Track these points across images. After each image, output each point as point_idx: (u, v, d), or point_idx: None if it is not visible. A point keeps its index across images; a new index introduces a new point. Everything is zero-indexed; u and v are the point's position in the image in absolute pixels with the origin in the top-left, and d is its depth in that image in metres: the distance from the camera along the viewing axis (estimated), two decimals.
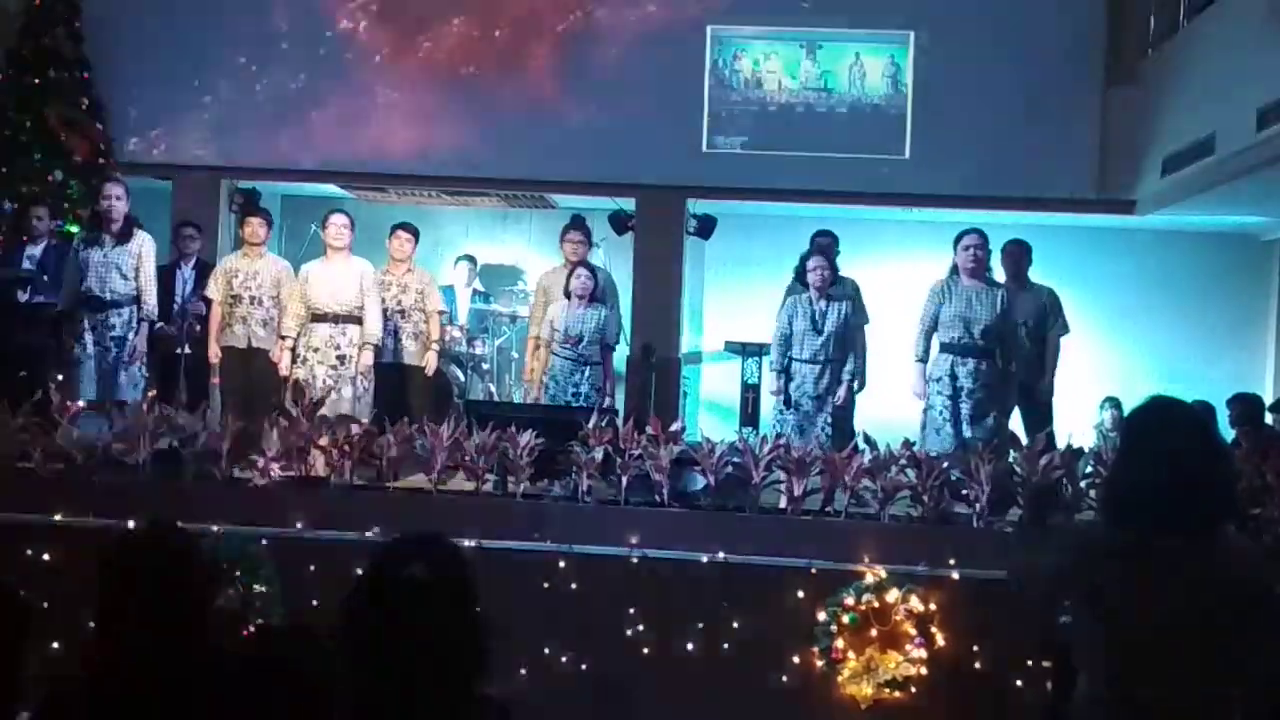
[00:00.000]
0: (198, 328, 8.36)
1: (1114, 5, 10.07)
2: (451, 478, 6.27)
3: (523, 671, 5.38)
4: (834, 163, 9.98)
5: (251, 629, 5.18)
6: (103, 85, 10.09)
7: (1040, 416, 7.97)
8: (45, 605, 5.65)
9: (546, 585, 5.68)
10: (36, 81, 9.81)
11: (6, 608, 2.50)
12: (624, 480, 6.04)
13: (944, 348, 7.49)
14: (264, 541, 5.77)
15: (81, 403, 6.73)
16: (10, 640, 2.50)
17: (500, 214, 11.78)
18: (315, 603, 5.41)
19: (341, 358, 7.56)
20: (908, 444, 6.38)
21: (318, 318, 7.64)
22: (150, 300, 7.67)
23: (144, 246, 7.65)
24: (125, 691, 2.41)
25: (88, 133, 9.78)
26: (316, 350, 7.57)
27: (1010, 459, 6.13)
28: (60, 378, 7.47)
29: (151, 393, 7.05)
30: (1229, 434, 8.35)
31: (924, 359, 7.51)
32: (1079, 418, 8.85)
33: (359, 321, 7.68)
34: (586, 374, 8.16)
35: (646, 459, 6.04)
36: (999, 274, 7.89)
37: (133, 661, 2.47)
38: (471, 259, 10.76)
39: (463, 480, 6.25)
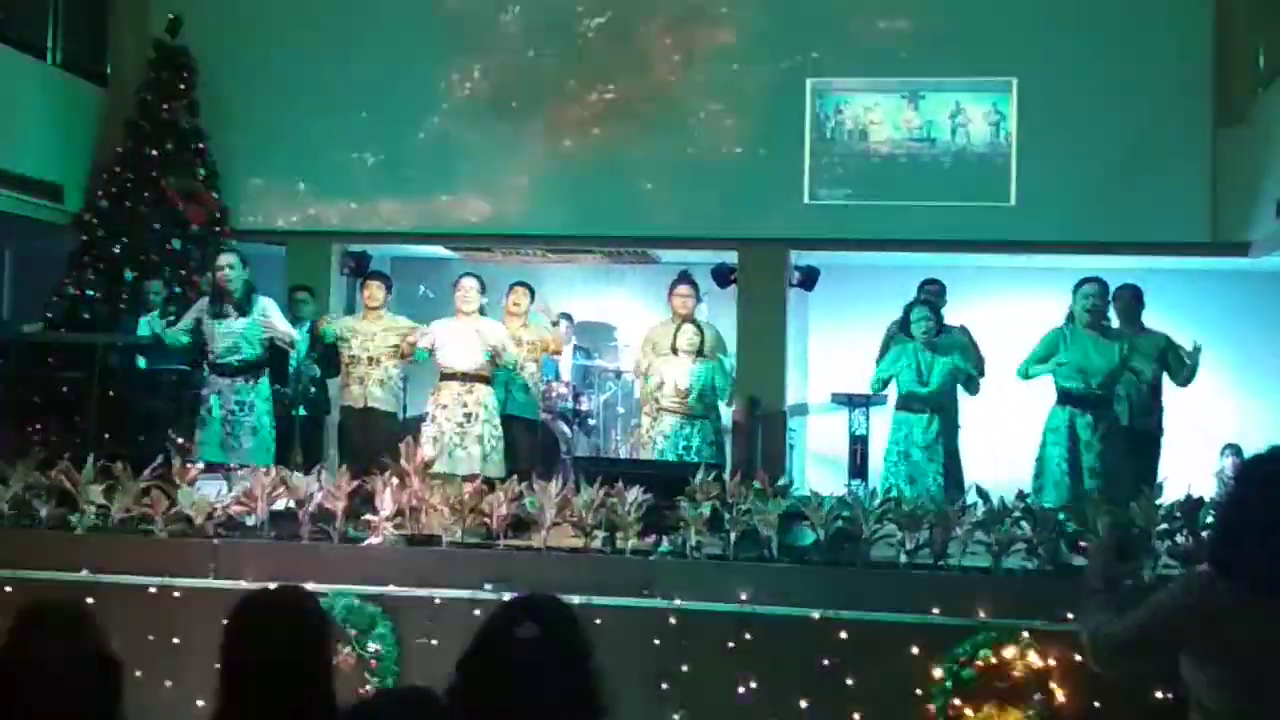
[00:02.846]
0: (313, 390, 8.52)
1: (1222, 44, 9.91)
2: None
3: None
4: (938, 211, 9.93)
5: (368, 689, 5.24)
6: (217, 155, 10.41)
7: (1153, 465, 7.79)
8: (168, 666, 5.82)
9: (656, 642, 5.66)
10: (154, 153, 10.16)
11: (98, 664, 2.55)
12: (732, 535, 6.02)
13: (1061, 398, 7.37)
14: (378, 601, 5.84)
15: (200, 465, 6.89)
16: (103, 698, 2.53)
17: (603, 270, 11.88)
18: (430, 661, 5.46)
19: (469, 415, 7.63)
20: (1022, 495, 6.28)
21: (446, 376, 7.74)
22: (287, 330, 7.83)
23: (268, 309, 7.80)
24: None
25: (204, 202, 10.09)
26: (445, 408, 7.66)
27: (1130, 509, 5.99)
28: (180, 441, 7.65)
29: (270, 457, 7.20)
30: None
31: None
32: (1198, 465, 8.63)
33: (487, 381, 7.77)
34: (697, 428, 8.16)
35: (754, 514, 6.01)
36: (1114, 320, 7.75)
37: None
38: (569, 316, 10.85)
39: (571, 537, 6.28)
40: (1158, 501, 5.91)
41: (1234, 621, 2.88)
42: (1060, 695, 5.37)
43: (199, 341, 7.76)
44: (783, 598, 5.73)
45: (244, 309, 7.70)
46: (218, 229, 10.15)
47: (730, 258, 10.44)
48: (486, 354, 7.70)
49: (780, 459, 9.46)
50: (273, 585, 2.77)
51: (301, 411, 8.37)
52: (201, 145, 10.38)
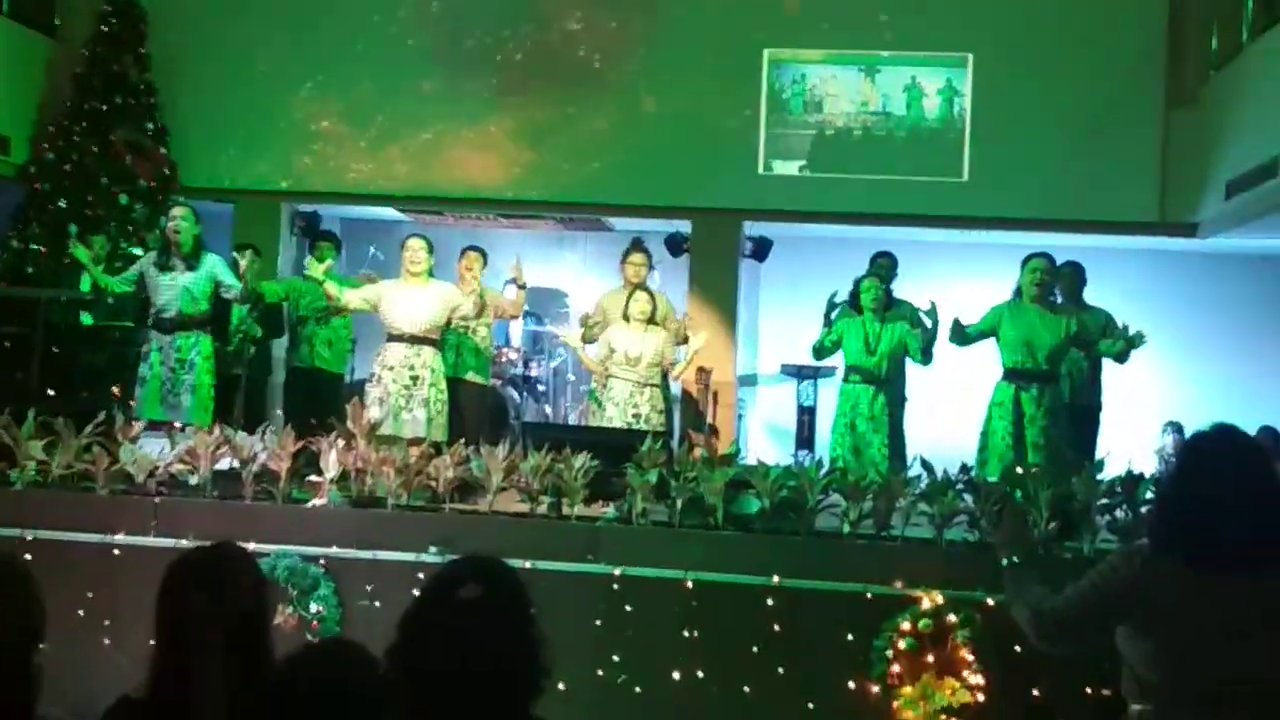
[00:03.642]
0: (252, 350, 8.45)
1: (1175, 27, 9.99)
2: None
3: (575, 694, 5.38)
4: (891, 185, 9.97)
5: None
6: (168, 111, 10.28)
7: (1091, 441, 7.89)
8: (107, 623, 5.78)
9: (599, 608, 5.68)
10: (104, 108, 10.01)
11: (15, 590, 2.51)
12: (678, 503, 6.03)
13: (1007, 373, 7.43)
14: (321, 562, 5.82)
15: (144, 423, 6.82)
16: (21, 623, 2.49)
17: (556, 237, 11.85)
18: (372, 623, 5.45)
19: (415, 379, 7.59)
20: (965, 468, 6.34)
21: (393, 338, 7.69)
22: (234, 284, 7.73)
23: (218, 269, 7.70)
24: (185, 710, 2.43)
25: (153, 157, 9.97)
26: (391, 369, 7.61)
27: (1071, 484, 6.05)
28: (123, 398, 7.57)
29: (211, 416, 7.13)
30: None
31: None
32: (1140, 442, 8.75)
33: (434, 344, 7.72)
34: (646, 396, 8.16)
35: (701, 482, 6.03)
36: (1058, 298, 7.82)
37: (191, 679, 2.49)
38: (517, 283, 10.79)
39: (518, 501, 6.27)
40: (1098, 477, 5.97)
41: (1171, 596, 2.93)
42: (998, 666, 5.43)
43: (142, 296, 7.67)
44: (727, 566, 5.75)
45: (191, 264, 7.62)
46: (166, 185, 10.02)
47: (683, 227, 10.43)
48: (444, 316, 7.66)
49: (729, 428, 9.49)
50: (210, 544, 2.74)
51: (241, 371, 8.30)
52: (151, 100, 10.24)
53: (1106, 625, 3.06)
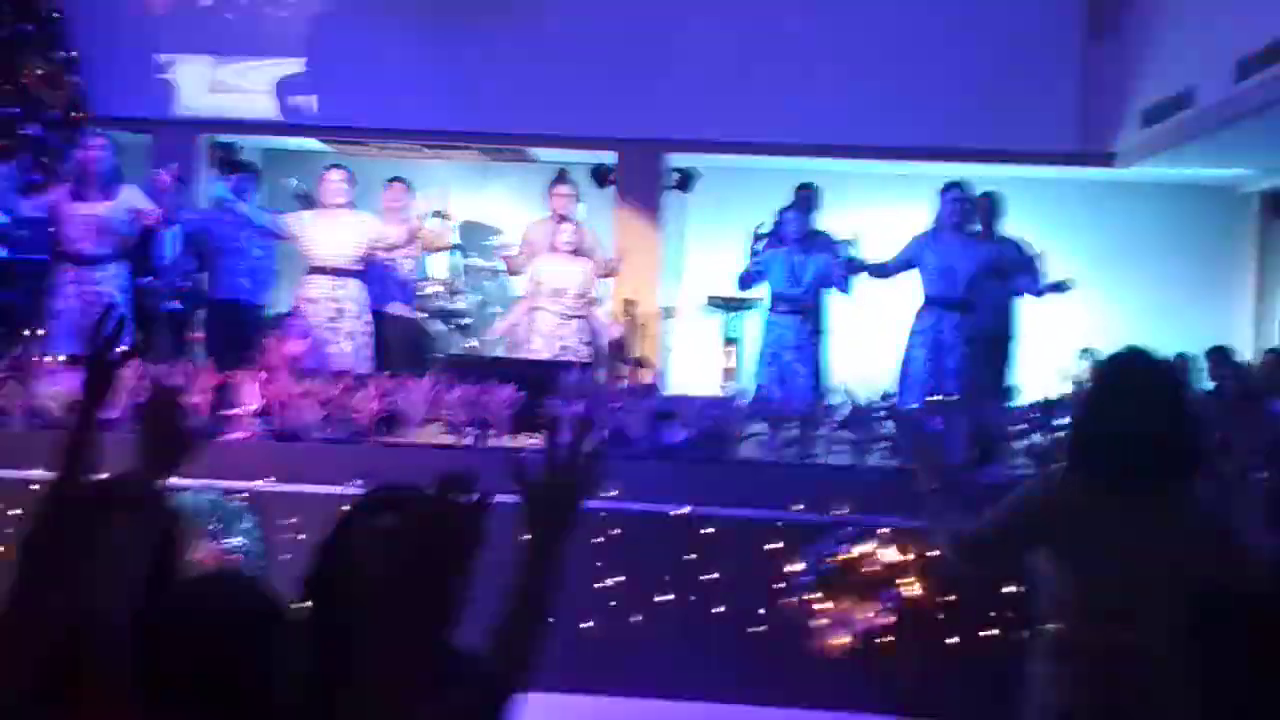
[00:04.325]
0: (182, 282, 8.33)
1: None
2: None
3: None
4: (811, 116, 9.95)
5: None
6: (79, 38, 9.99)
7: (1002, 369, 8.02)
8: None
9: (523, 538, 5.69)
10: (10, 35, 9.72)
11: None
12: (601, 433, 6.04)
13: (928, 301, 7.51)
14: (243, 496, 5.77)
15: (61, 357, 6.70)
16: None
17: (481, 168, 11.74)
18: (296, 556, 5.43)
19: (339, 311, 7.53)
20: (886, 396, 6.42)
21: (314, 270, 7.61)
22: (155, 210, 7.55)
23: (135, 198, 7.54)
24: (101, 647, 2.41)
25: (62, 85, 9.70)
26: (314, 302, 7.53)
27: (988, 411, 6.15)
28: (39, 332, 7.43)
29: (133, 347, 7.01)
30: (1209, 386, 8.40)
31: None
32: (1056, 369, 8.88)
33: (359, 275, 7.65)
34: (573, 328, 8.15)
35: (625, 412, 6.05)
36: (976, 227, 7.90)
37: (95, 613, 2.47)
38: (444, 214, 10.71)
39: (443, 434, 6.26)
40: (1013, 403, 6.07)
41: (1086, 515, 3.00)
42: (916, 588, 5.53)
43: (52, 229, 7.51)
44: (650, 494, 5.79)
45: (108, 194, 7.47)
46: (78, 115, 9.77)
47: (608, 158, 10.37)
48: (366, 247, 7.58)
49: (654, 359, 9.51)
50: (115, 475, 2.70)
51: (173, 304, 8.19)
52: (61, 27, 9.95)
53: (1024, 546, 3.13)
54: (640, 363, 9.16)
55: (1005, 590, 5.22)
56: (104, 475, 2.59)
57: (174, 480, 4.90)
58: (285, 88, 10.44)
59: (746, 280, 8.12)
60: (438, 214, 10.51)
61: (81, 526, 2.46)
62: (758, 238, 8.34)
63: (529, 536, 2.30)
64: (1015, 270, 7.96)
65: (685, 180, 10.46)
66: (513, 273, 8.56)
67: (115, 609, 2.35)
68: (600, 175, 10.38)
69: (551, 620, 2.35)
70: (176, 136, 10.35)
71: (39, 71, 9.62)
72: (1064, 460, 3.21)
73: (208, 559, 5.41)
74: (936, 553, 5.49)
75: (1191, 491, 3.05)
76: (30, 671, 2.30)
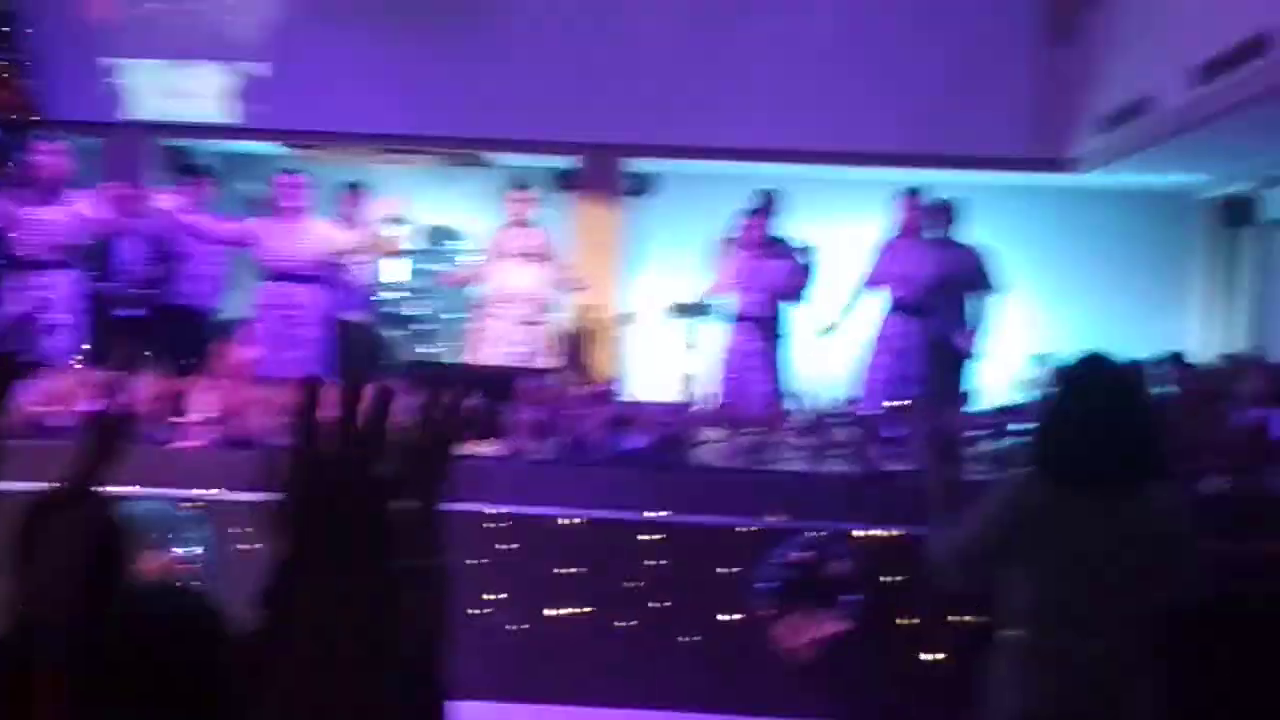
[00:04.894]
0: (132, 290, 8.22)
1: None
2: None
3: (454, 634, 5.34)
4: (768, 121, 9.93)
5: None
6: (33, 39, 9.86)
7: (960, 374, 8.04)
8: None
9: (479, 547, 5.64)
10: None
11: None
12: (558, 440, 6.00)
13: (892, 305, 7.52)
14: (192, 505, 5.69)
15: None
16: None
17: (439, 173, 11.67)
18: (248, 566, 5.35)
19: (295, 317, 7.46)
20: (845, 402, 6.41)
21: (270, 275, 7.54)
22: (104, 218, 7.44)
23: (84, 206, 7.44)
24: (28, 655, 2.36)
25: (12, 87, 9.57)
26: (268, 308, 7.47)
27: (944, 417, 6.15)
28: None
29: (82, 355, 6.92)
30: (1166, 391, 8.43)
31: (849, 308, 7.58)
32: (1010, 374, 8.91)
33: (314, 281, 7.59)
34: (531, 334, 8.12)
35: (581, 418, 6.01)
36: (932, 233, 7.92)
37: (38, 623, 2.41)
38: (403, 219, 10.64)
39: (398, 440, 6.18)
40: (968, 409, 6.08)
41: (1049, 519, 3.00)
42: (875, 594, 5.52)
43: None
44: (608, 501, 5.75)
45: (60, 200, 7.38)
46: (29, 118, 9.64)
47: (568, 163, 10.34)
48: (321, 253, 7.53)
49: (612, 365, 9.48)
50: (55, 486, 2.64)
51: (122, 312, 8.07)
52: (13, 29, 9.82)
53: (1001, 553, 3.12)
54: (598, 369, 9.13)
55: (966, 595, 5.22)
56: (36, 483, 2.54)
57: (124, 488, 4.83)
58: (241, 91, 10.33)
59: (720, 290, 8.03)
60: (396, 219, 10.44)
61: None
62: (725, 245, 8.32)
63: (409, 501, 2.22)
64: (973, 276, 7.98)
65: (644, 185, 10.43)
66: (472, 281, 8.50)
67: (51, 617, 2.31)
68: (561, 180, 10.34)
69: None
70: (129, 141, 10.22)
71: None
72: (1026, 465, 3.21)
73: (159, 568, 5.32)
74: (896, 557, 5.51)
75: (1151, 495, 3.06)
76: None
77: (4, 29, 9.76)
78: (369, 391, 2.05)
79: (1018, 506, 3.07)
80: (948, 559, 3.21)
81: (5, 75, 9.56)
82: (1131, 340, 8.63)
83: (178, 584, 2.20)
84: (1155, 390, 8.35)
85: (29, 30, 9.83)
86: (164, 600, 2.26)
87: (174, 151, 10.35)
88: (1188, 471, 5.83)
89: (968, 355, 7.96)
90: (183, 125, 10.35)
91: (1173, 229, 11.03)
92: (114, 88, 10.33)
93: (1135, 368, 4.53)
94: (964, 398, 6.27)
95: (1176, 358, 8.87)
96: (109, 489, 2.90)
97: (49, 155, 7.42)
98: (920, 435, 5.72)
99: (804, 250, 8.07)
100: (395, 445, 2.21)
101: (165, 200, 8.09)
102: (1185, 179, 10.43)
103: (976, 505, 3.17)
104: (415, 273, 10.37)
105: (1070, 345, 4.06)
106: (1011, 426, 5.96)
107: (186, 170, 9.37)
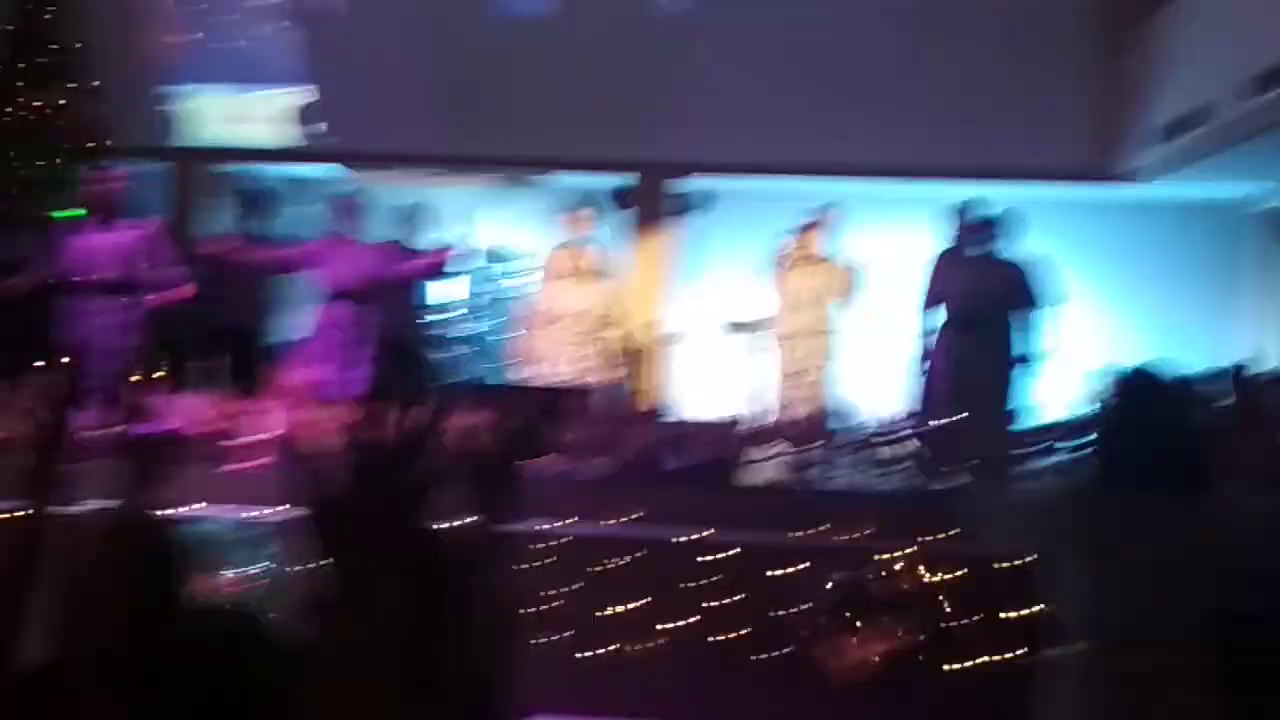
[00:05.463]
0: (188, 311, 8.34)
1: None
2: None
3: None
4: (829, 138, 9.92)
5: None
6: (101, 68, 10.06)
7: (1029, 387, 7.98)
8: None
9: (532, 564, 5.66)
10: (34, 64, 9.78)
11: None
12: (612, 459, 6.03)
13: (948, 320, 7.49)
14: (257, 523, 5.77)
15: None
16: None
17: (500, 192, 11.74)
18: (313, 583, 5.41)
19: (349, 338, 7.55)
20: (905, 416, 6.39)
21: (330, 295, 7.64)
22: (164, 281, 7.58)
23: (148, 230, 7.58)
24: (88, 681, 2.39)
25: (80, 115, 9.75)
26: (328, 328, 7.57)
27: (1009, 430, 6.12)
28: (65, 361, 7.45)
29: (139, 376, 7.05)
30: (1223, 405, 8.31)
31: (926, 332, 7.53)
32: (1073, 387, 8.83)
33: (367, 302, 7.68)
34: (590, 351, 8.16)
35: (630, 437, 6.03)
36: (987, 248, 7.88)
37: (111, 644, 2.45)
38: (465, 239, 10.73)
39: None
40: (1035, 422, 6.04)
41: (1105, 529, 3.00)
42: (943, 612, 5.48)
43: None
44: (664, 519, 5.76)
45: (129, 224, 7.54)
46: (99, 145, 9.82)
47: (627, 181, 10.39)
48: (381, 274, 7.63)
49: (668, 382, 9.50)
50: (114, 506, 2.70)
51: (180, 334, 8.19)
52: (83, 58, 10.01)
53: (1043, 540, 3.23)
54: (651, 387, 9.15)
55: (1023, 613, 5.18)
56: (83, 505, 2.57)
57: (185, 509, 4.91)
58: (301, 115, 10.48)
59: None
60: (462, 240, 10.54)
61: (53, 558, 2.44)
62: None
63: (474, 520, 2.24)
64: (1017, 292, 7.91)
65: (702, 202, 10.45)
66: (536, 297, 8.57)
67: (99, 643, 2.34)
68: (619, 198, 10.38)
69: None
70: (194, 165, 10.39)
71: (60, 101, 9.69)
72: (1083, 478, 3.22)
73: (219, 588, 5.40)
74: (954, 576, 5.47)
75: (1207, 508, 3.05)
76: (8, 710, 2.28)
77: (72, 56, 9.96)
78: (420, 410, 2.07)
79: (1073, 517, 3.08)
80: (990, 526, 3.26)
81: (72, 103, 9.75)
82: (1189, 353, 8.53)
83: (232, 604, 2.22)
84: (1216, 403, 8.25)
85: (95, 56, 10.03)
86: (219, 621, 2.29)
87: (233, 176, 10.51)
88: (1238, 488, 5.75)
89: (1023, 370, 7.89)
90: (241, 150, 10.51)
91: (1229, 241, 10.87)
92: (175, 114, 10.51)
93: (1187, 381, 4.50)
94: (1027, 411, 6.22)
95: (1238, 370, 8.75)
96: (167, 510, 2.96)
97: (109, 181, 7.56)
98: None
99: (853, 270, 8.11)
100: (460, 464, 2.24)
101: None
102: (1241, 190, 10.30)
103: (1029, 494, 3.20)
104: (472, 292, 10.45)
105: (1128, 359, 4.03)
106: (1070, 441, 5.91)
107: (250, 194, 9.51)
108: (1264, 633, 3.94)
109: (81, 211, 7.92)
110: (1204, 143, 8.58)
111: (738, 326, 9.07)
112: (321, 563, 1.73)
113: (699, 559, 5.64)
